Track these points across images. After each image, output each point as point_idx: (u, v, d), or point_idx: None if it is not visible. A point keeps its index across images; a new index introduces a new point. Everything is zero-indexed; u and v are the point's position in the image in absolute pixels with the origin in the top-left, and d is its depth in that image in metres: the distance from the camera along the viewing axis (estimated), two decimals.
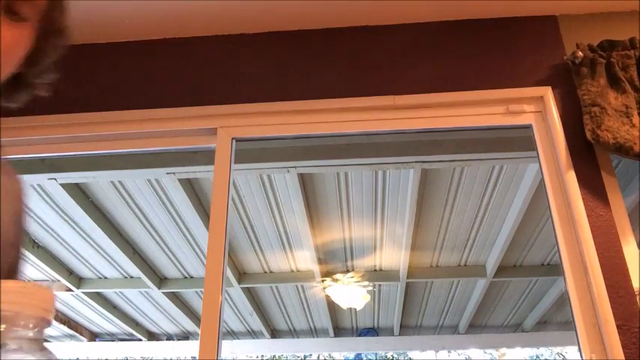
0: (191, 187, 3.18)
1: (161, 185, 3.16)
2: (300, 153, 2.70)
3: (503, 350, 6.86)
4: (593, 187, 1.76)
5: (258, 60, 2.12)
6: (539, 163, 1.88)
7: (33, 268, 4.34)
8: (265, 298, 4.99)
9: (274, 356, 6.92)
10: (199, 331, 1.73)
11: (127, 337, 5.93)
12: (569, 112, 1.88)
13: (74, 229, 3.71)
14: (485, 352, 7.33)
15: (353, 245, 4.04)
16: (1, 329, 0.34)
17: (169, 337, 5.97)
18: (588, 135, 1.74)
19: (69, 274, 4.45)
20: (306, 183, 3.16)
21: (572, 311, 1.65)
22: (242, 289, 4.61)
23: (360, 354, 6.85)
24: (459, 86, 1.97)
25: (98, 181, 3.12)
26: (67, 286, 4.56)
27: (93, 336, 5.95)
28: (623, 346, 1.53)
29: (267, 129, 2.02)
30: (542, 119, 1.92)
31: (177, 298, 4.99)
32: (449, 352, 6.86)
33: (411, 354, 7.33)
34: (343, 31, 2.14)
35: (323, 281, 4.52)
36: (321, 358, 7.35)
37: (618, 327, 1.56)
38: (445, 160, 2.81)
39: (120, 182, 3.15)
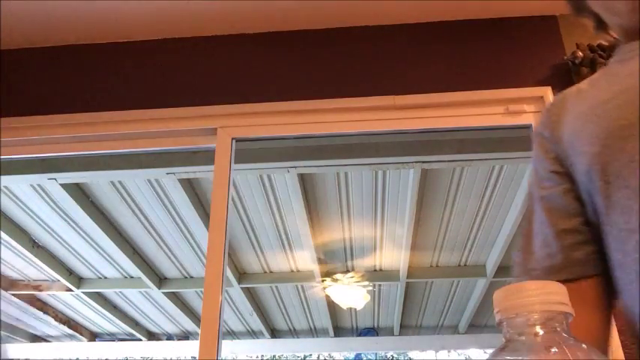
0: (191, 187, 3.18)
1: (161, 185, 3.16)
2: (300, 153, 2.70)
3: None
4: None
5: (258, 60, 2.12)
6: None
7: (33, 268, 4.35)
8: (265, 298, 4.99)
9: (274, 356, 6.92)
10: (199, 331, 1.73)
11: (127, 337, 5.92)
12: None
13: (74, 229, 3.71)
14: (485, 352, 7.31)
15: (353, 245, 4.04)
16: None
17: (169, 337, 5.96)
18: None
19: (69, 274, 4.45)
20: (306, 183, 3.16)
21: None
22: (242, 289, 4.61)
23: (360, 354, 6.83)
24: (459, 86, 1.97)
25: (98, 181, 3.12)
26: (67, 286, 4.56)
27: (93, 336, 5.95)
28: (623, 347, 1.53)
29: (267, 129, 2.03)
30: None
31: (177, 298, 4.99)
32: (449, 352, 6.85)
33: (411, 354, 7.32)
34: (343, 31, 2.14)
35: (323, 281, 4.52)
36: (321, 358, 7.34)
37: (618, 328, 1.56)
38: (445, 160, 2.81)
39: (120, 182, 3.15)
